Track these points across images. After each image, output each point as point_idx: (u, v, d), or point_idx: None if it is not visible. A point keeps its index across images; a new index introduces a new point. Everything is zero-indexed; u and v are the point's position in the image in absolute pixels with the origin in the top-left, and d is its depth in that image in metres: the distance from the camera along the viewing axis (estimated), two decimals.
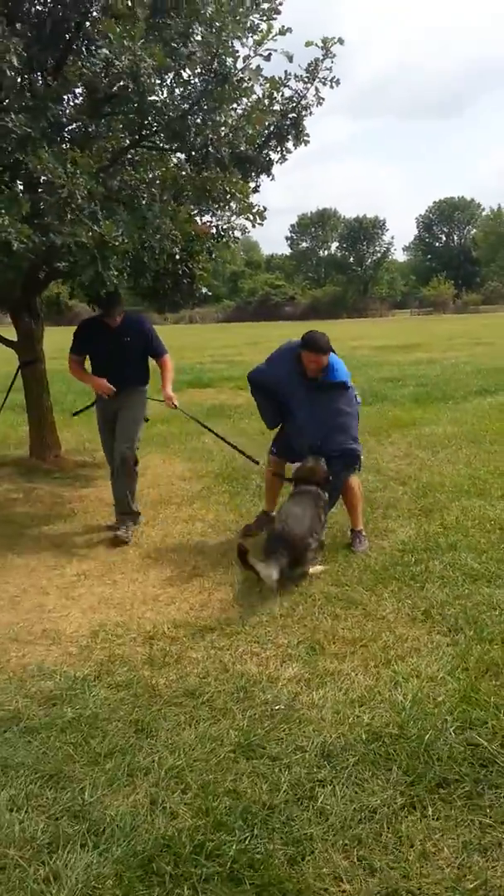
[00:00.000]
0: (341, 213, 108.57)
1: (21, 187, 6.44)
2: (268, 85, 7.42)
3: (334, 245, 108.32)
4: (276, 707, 3.44)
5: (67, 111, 7.06)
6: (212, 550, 5.71)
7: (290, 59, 7.06)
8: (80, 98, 7.25)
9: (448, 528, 5.96)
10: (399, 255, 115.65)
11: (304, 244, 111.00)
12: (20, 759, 3.09)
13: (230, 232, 7.82)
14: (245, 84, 6.81)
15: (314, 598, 4.71)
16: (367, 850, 2.52)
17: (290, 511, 5.20)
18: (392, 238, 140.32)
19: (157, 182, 7.38)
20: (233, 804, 2.76)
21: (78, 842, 2.60)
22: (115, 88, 6.39)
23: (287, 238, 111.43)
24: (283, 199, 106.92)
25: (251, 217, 7.36)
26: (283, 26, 6.56)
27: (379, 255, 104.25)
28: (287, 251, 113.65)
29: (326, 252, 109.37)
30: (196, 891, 2.36)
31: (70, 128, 7.26)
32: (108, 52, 6.21)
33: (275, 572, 4.65)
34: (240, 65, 6.63)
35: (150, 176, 7.82)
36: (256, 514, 6.33)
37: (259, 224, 7.37)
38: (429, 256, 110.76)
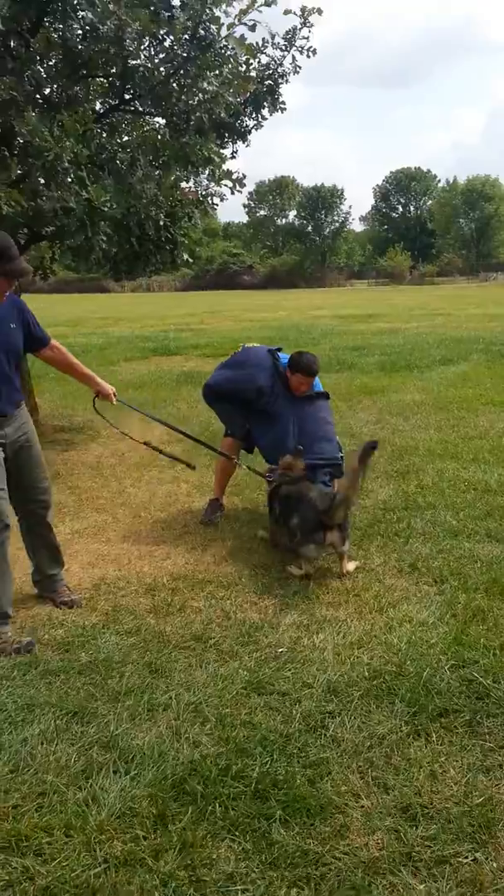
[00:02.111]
0: (299, 182, 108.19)
1: (6, 151, 6.45)
2: (245, 53, 7.49)
3: (292, 214, 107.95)
4: (280, 650, 3.65)
5: (46, 74, 7.06)
6: (199, 510, 5.87)
7: (273, 37, 7.14)
8: (57, 61, 7.25)
9: (425, 488, 6.21)
10: (356, 226, 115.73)
11: (262, 212, 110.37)
12: (44, 699, 3.26)
13: (209, 199, 7.91)
14: (228, 52, 6.87)
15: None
16: (380, 772, 2.75)
17: (307, 493, 4.80)
18: (350, 207, 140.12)
19: (134, 146, 7.43)
20: (250, 734, 2.97)
21: (110, 768, 2.78)
22: (96, 52, 6.41)
23: (244, 206, 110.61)
24: (239, 166, 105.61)
25: (231, 183, 7.46)
26: None
27: (337, 224, 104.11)
28: (244, 219, 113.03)
29: (284, 220, 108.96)
30: (227, 808, 2.56)
31: (47, 91, 7.26)
32: (91, 15, 6.23)
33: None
34: (224, 33, 6.67)
35: (126, 139, 7.87)
36: (206, 503, 5.92)
37: (238, 191, 7.49)
38: (385, 227, 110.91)
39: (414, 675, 3.36)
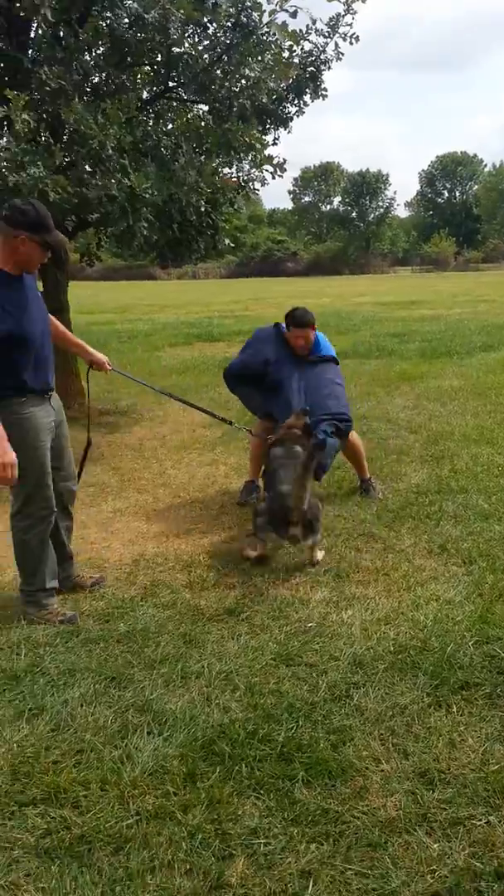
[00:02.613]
0: (344, 168, 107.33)
1: (52, 139, 6.62)
2: (288, 39, 7.56)
3: (337, 199, 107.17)
4: (309, 624, 3.78)
5: (94, 63, 7.21)
6: (236, 491, 6.01)
7: (315, 23, 7.21)
8: (104, 49, 7.39)
9: (458, 472, 6.27)
10: (401, 211, 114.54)
11: (307, 198, 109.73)
12: (84, 665, 3.44)
13: (250, 184, 8.01)
14: (269, 38, 6.95)
15: (337, 532, 5.04)
16: (400, 739, 2.87)
17: (280, 483, 4.72)
18: (394, 193, 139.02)
19: (177, 133, 7.54)
20: (278, 701, 3.11)
21: (144, 730, 2.94)
22: (142, 40, 6.54)
23: (289, 192, 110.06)
24: (283, 153, 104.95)
25: (272, 168, 7.55)
26: None
27: (382, 210, 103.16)
28: (289, 205, 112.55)
29: (329, 206, 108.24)
30: (253, 769, 2.70)
31: (94, 80, 7.42)
32: (137, 4, 6.35)
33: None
34: (265, 19, 6.75)
35: (170, 126, 7.99)
36: (242, 485, 6.04)
37: (279, 176, 7.58)
38: (430, 212, 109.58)
39: (438, 650, 3.46)
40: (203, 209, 7.00)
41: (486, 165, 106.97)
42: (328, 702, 3.11)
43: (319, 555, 4.65)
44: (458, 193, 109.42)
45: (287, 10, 6.94)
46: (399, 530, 5.07)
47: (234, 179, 7.82)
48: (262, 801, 2.54)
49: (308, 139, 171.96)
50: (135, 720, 3.00)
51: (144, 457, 7.22)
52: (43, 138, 6.54)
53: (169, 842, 2.37)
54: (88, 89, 6.99)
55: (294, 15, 7.00)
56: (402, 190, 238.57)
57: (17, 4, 6.59)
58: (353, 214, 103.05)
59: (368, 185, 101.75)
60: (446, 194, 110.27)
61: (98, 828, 2.42)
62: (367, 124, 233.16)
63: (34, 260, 3.80)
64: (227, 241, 7.87)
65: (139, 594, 4.21)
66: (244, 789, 2.60)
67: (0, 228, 3.73)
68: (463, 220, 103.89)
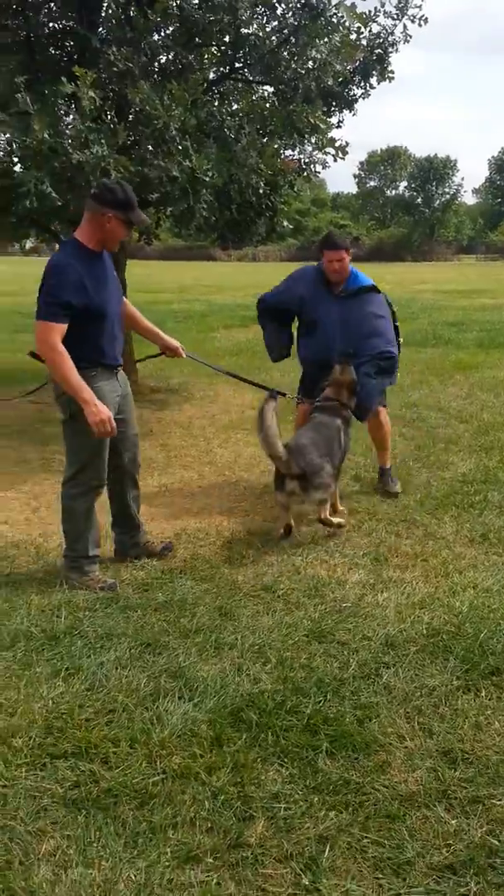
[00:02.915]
0: (411, 152, 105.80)
1: (116, 119, 6.70)
2: (356, 21, 7.52)
3: (402, 185, 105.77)
4: (344, 604, 3.83)
5: (161, 43, 7.27)
6: None
7: (384, 4, 7.16)
8: (173, 30, 7.44)
9: None
10: (468, 198, 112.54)
11: (372, 183, 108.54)
12: (121, 630, 3.55)
13: (311, 166, 8.01)
14: (337, 20, 6.93)
15: (378, 517, 5.07)
16: (426, 718, 2.91)
17: (302, 439, 4.85)
18: (462, 179, 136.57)
19: (242, 114, 7.57)
20: (307, 675, 3.17)
21: (175, 694, 3.03)
22: (211, 21, 6.57)
23: (355, 176, 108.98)
24: (350, 135, 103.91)
25: (334, 151, 7.53)
26: None
27: (448, 196, 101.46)
28: (354, 189, 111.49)
29: (394, 192, 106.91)
30: (278, 737, 2.77)
31: (162, 60, 7.49)
32: None
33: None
34: (334, 1, 6.73)
35: (235, 107, 8.02)
36: None
37: (341, 158, 7.56)
38: (499, 200, 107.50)
39: (471, 635, 3.48)
40: (262, 191, 7.02)
41: None
42: (357, 679, 3.16)
43: (333, 517, 4.73)
44: None
45: None
46: (441, 518, 5.07)
47: (295, 161, 7.82)
48: (285, 769, 2.61)
49: (375, 122, 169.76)
50: (167, 685, 3.10)
51: (192, 434, 7.32)
52: (108, 117, 6.63)
53: (192, 800, 2.45)
54: (155, 69, 7.05)
55: None
56: (471, 176, 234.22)
57: None
58: (419, 200, 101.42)
59: (436, 171, 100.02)
60: None
61: (125, 783, 2.52)
62: (437, 108, 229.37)
63: (117, 237, 3.98)
64: (285, 223, 7.89)
65: (179, 567, 4.31)
66: (269, 756, 2.67)
67: (88, 206, 3.93)
68: None
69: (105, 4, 7.16)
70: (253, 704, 2.95)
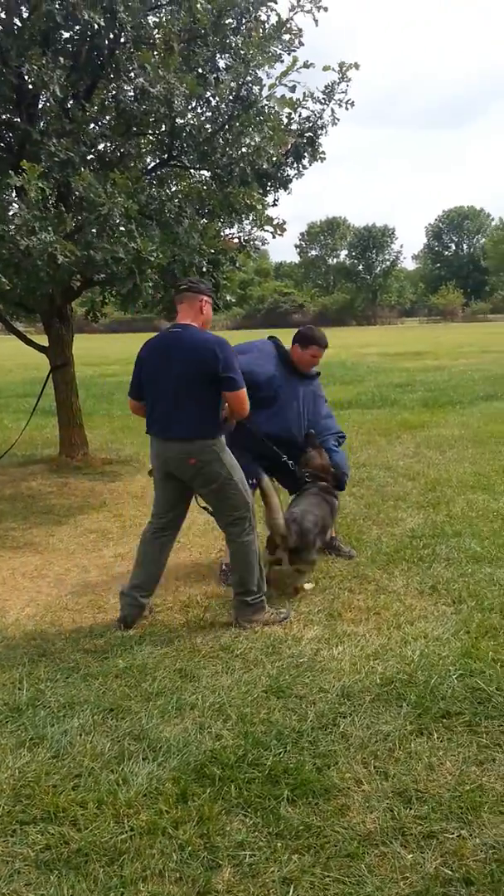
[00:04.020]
0: (350, 222, 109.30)
1: (62, 206, 6.98)
2: (286, 106, 7.96)
3: (343, 253, 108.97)
4: (301, 660, 3.96)
5: (100, 133, 7.64)
6: None
7: (312, 96, 7.62)
8: (111, 120, 7.82)
9: (454, 517, 6.47)
10: (408, 264, 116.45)
11: (314, 252, 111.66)
12: (83, 698, 3.63)
13: (251, 243, 8.37)
14: (269, 110, 7.35)
15: (332, 574, 5.24)
16: (382, 762, 3.04)
17: (303, 506, 5.13)
18: (401, 246, 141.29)
19: (181, 196, 7.92)
20: (267, 729, 3.29)
21: (140, 756, 3.12)
22: (147, 112, 6.94)
23: (296, 246, 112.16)
24: (291, 208, 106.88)
25: (272, 228, 7.90)
26: (307, 61, 7.08)
27: (388, 263, 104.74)
28: (296, 259, 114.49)
29: (335, 260, 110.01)
30: (241, 789, 2.88)
31: (100, 148, 7.84)
32: (143, 80, 6.75)
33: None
34: (265, 93, 7.14)
35: (174, 189, 8.38)
36: None
37: (279, 235, 7.91)
38: (437, 265, 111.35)
39: (423, 683, 3.64)
40: (205, 269, 7.33)
41: (492, 219, 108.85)
42: (315, 729, 3.28)
43: (307, 585, 4.97)
44: (465, 246, 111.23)
45: (286, 85, 7.35)
46: (392, 572, 5.26)
47: (236, 240, 8.18)
48: (248, 818, 2.72)
49: (314, 195, 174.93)
50: (131, 747, 3.19)
51: (146, 504, 7.41)
52: (52, 204, 6.90)
53: (160, 853, 2.54)
54: (92, 157, 7.38)
55: (293, 89, 7.42)
56: (409, 243, 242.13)
57: (27, 79, 7.03)
58: (360, 267, 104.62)
59: (375, 239, 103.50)
60: (453, 247, 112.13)
61: (94, 842, 2.60)
62: (374, 180, 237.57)
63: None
64: (228, 297, 8.20)
65: (138, 633, 4.40)
66: (232, 807, 2.78)
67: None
68: (470, 272, 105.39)
69: (43, 98, 7.49)
70: (216, 760, 3.06)
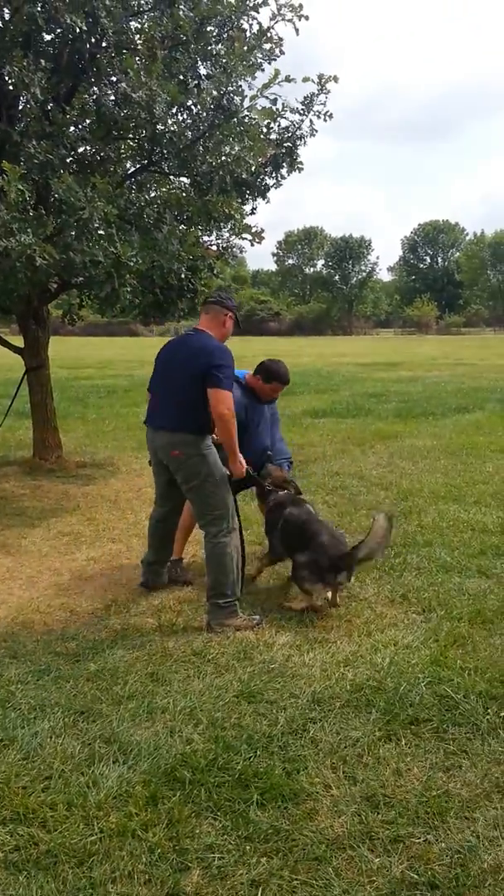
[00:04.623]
0: (327, 232, 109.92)
1: (41, 208, 6.97)
2: (265, 117, 8.02)
3: (320, 263, 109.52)
4: (272, 665, 3.99)
5: (80, 136, 7.64)
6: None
7: (291, 109, 7.68)
8: (91, 123, 7.82)
9: (425, 527, 6.54)
10: (384, 275, 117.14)
11: (291, 261, 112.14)
12: (54, 700, 3.62)
13: (229, 250, 8.41)
14: (250, 121, 7.40)
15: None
16: (351, 767, 3.07)
17: (323, 534, 4.98)
18: (377, 258, 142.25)
19: (160, 202, 7.94)
20: (238, 734, 3.31)
21: (110, 759, 3.13)
22: (128, 116, 6.96)
23: (273, 254, 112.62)
24: (269, 216, 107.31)
25: (250, 237, 7.95)
26: (288, 75, 7.14)
27: (364, 274, 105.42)
28: (273, 267, 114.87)
29: (312, 269, 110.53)
30: (211, 793, 2.89)
31: (80, 151, 7.84)
32: (125, 85, 6.77)
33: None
34: (246, 104, 7.19)
35: (153, 195, 8.40)
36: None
37: (257, 243, 7.97)
38: (413, 277, 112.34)
39: (392, 689, 3.68)
40: (184, 275, 7.36)
41: (467, 234, 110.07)
42: (286, 734, 3.31)
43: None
44: (440, 260, 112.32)
45: (267, 97, 7.41)
46: (363, 580, 5.29)
47: (214, 248, 8.21)
48: (218, 821, 2.74)
49: (292, 204, 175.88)
50: (101, 750, 3.19)
51: (120, 508, 7.44)
52: (32, 206, 6.89)
53: (130, 855, 2.55)
54: (72, 160, 7.38)
55: (274, 102, 7.48)
56: (385, 255, 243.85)
57: (7, 80, 7.02)
58: (336, 277, 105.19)
59: (351, 250, 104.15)
60: (428, 260, 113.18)
61: (64, 844, 2.61)
62: (352, 191, 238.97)
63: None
64: None
65: (110, 637, 4.41)
66: (202, 811, 2.79)
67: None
68: (444, 285, 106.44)
69: (23, 100, 7.48)
70: (186, 763, 3.07)
